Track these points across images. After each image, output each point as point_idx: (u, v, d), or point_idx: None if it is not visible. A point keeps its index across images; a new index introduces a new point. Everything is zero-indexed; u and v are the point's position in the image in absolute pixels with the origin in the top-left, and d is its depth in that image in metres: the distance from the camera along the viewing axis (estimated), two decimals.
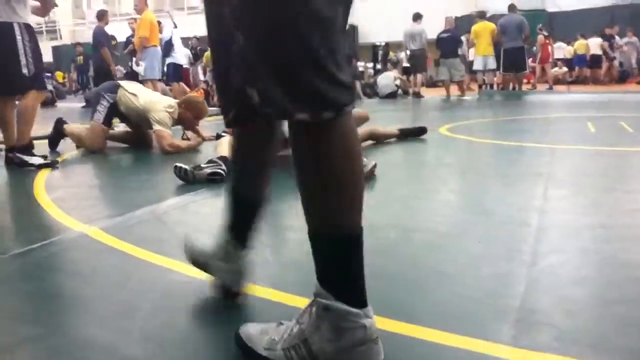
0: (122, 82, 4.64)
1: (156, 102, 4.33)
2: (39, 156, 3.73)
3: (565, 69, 15.38)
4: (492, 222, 2.15)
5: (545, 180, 2.83)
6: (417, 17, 10.67)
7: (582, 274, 1.58)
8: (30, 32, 3.61)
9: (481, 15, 10.86)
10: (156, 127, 4.22)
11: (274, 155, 1.33)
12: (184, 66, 13.28)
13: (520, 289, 1.44)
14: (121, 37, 11.24)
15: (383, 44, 18.66)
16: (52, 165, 3.68)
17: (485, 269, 1.62)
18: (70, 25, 25.68)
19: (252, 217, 1.34)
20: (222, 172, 3.01)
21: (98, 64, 9.55)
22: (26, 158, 3.64)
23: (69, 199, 2.82)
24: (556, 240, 1.92)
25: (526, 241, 1.86)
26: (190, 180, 2.98)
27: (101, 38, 9.16)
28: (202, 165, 3.05)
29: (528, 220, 2.13)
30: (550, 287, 1.48)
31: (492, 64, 10.64)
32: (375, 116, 4.40)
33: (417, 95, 11.25)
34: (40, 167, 3.61)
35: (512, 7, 10.33)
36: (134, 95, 4.35)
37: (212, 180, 2.96)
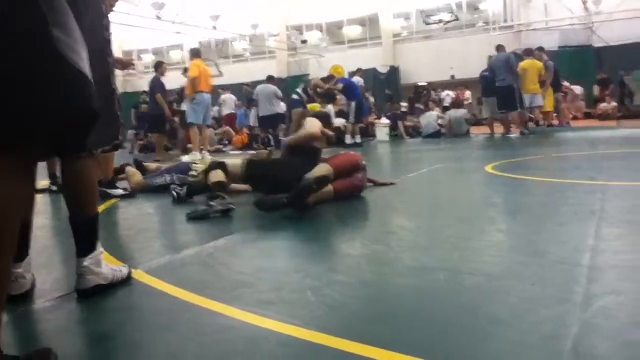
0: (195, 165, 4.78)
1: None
2: (121, 189, 4.38)
3: (614, 103, 15.01)
4: (545, 263, 2.07)
5: (599, 219, 2.72)
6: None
7: None
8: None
9: (528, 53, 10.78)
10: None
11: None
12: (230, 111, 13.70)
13: (574, 331, 1.38)
14: (169, 85, 11.71)
15: (425, 84, 18.74)
16: (132, 195, 4.31)
17: (540, 312, 1.55)
18: (120, 75, 26.86)
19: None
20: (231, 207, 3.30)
21: (154, 109, 10.18)
22: (109, 191, 4.27)
23: (115, 241, 2.89)
24: (612, 281, 1.82)
25: (580, 282, 1.78)
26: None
27: (157, 85, 9.96)
28: (212, 203, 3.29)
29: (581, 260, 2.04)
30: (608, 331, 1.40)
31: (539, 101, 10.52)
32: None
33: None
34: (123, 197, 4.27)
35: (500, 47, 10.49)
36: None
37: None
